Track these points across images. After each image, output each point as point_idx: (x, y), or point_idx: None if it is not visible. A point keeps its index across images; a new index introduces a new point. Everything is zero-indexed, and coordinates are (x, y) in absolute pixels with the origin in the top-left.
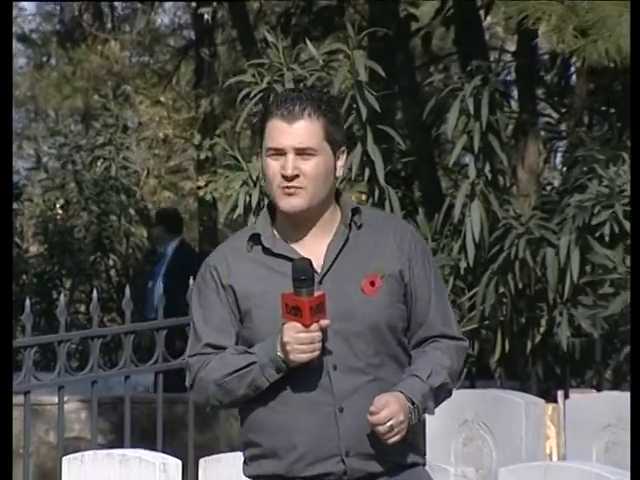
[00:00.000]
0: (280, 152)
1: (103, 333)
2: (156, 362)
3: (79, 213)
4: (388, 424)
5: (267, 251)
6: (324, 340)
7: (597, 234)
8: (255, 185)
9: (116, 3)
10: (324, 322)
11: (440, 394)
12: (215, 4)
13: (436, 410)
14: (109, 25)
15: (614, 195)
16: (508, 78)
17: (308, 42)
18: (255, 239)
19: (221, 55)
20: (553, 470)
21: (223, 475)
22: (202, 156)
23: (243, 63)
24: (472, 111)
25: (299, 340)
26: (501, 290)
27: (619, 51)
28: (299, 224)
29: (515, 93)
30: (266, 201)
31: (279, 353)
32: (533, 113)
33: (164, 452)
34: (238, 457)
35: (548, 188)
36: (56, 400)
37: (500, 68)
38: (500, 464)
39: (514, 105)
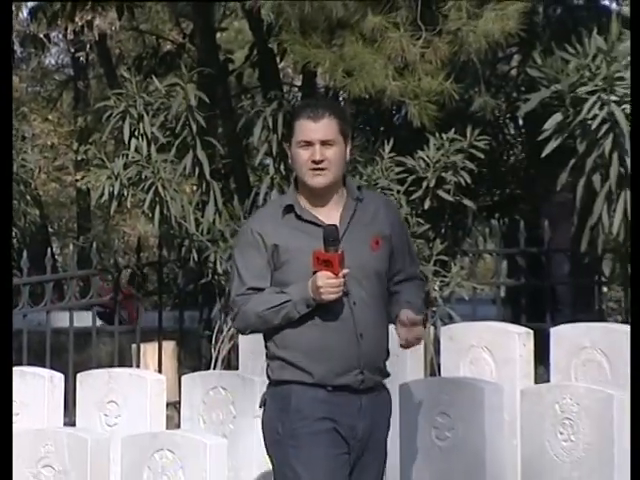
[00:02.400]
0: (309, 143)
1: (47, 279)
2: (45, 304)
3: None
4: (418, 331)
5: (299, 218)
6: (347, 285)
7: None
8: (116, 179)
9: (15, 47)
10: (347, 271)
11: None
12: (88, 48)
13: None
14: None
15: (370, 188)
16: (296, 104)
17: (154, 78)
18: (289, 209)
19: (92, 86)
20: None
21: (93, 385)
22: (79, 158)
23: (107, 92)
24: (271, 126)
25: (331, 284)
26: None
27: (373, 86)
28: (320, 197)
29: None
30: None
31: (310, 294)
32: None
33: (52, 369)
34: (103, 372)
35: None
36: None
37: (291, 97)
38: None
39: None
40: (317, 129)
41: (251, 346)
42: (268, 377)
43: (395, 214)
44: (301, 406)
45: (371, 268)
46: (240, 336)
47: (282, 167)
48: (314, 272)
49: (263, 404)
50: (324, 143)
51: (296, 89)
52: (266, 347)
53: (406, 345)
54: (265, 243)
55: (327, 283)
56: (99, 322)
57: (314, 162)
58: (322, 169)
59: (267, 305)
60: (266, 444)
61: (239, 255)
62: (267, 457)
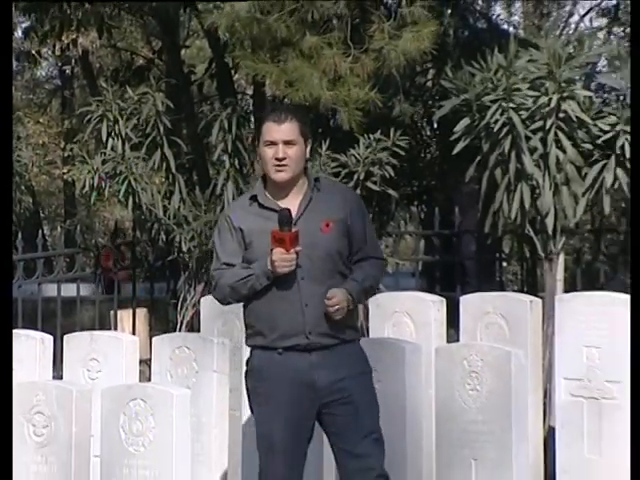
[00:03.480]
0: (274, 143)
1: (38, 255)
2: (37, 277)
3: None
4: (336, 307)
5: (261, 206)
6: (298, 260)
7: None
8: (96, 172)
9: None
10: (298, 248)
11: (369, 292)
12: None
13: None
14: None
15: None
16: (248, 109)
17: (128, 87)
18: (254, 198)
19: (76, 94)
20: None
21: (77, 345)
22: (65, 154)
23: (89, 99)
24: (227, 128)
25: (283, 259)
26: None
27: (311, 95)
28: (283, 189)
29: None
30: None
31: (269, 267)
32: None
33: (43, 332)
34: (86, 334)
35: None
36: None
37: (243, 103)
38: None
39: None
40: (280, 130)
41: (210, 312)
42: (246, 344)
43: (354, 202)
44: (260, 367)
45: (321, 247)
46: (201, 303)
47: (236, 162)
48: (271, 249)
49: (246, 365)
50: (286, 143)
51: (248, 97)
52: (243, 314)
53: (332, 314)
54: (234, 227)
55: (280, 258)
56: (85, 292)
57: (277, 159)
58: (284, 165)
59: (236, 278)
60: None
61: (217, 237)
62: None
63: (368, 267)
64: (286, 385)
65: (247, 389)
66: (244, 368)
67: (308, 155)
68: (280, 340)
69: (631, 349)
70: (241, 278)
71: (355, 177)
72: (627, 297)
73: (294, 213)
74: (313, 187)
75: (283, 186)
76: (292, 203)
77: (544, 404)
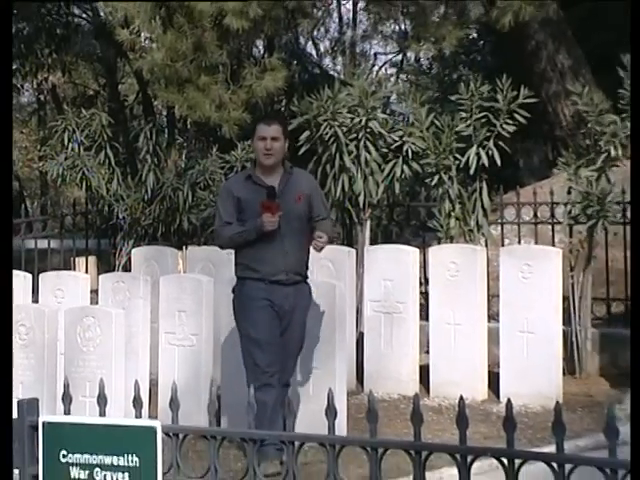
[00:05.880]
0: (264, 138)
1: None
2: (21, 235)
3: None
4: (324, 242)
5: (253, 182)
6: (280, 222)
7: None
8: (60, 165)
9: None
10: (280, 213)
11: (332, 240)
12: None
13: None
14: None
15: (205, 175)
16: (163, 124)
17: (83, 109)
18: (248, 177)
19: (48, 113)
20: None
21: (48, 280)
22: (40, 154)
23: (56, 117)
24: (149, 137)
25: (269, 221)
26: None
27: (204, 116)
28: (268, 171)
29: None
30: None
31: (259, 225)
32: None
33: (25, 271)
34: (54, 273)
35: None
36: None
37: (160, 120)
38: None
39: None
40: (269, 130)
41: (138, 259)
42: (236, 275)
43: (313, 182)
44: (250, 292)
45: (295, 213)
46: (132, 252)
47: (155, 160)
48: (261, 214)
49: (233, 291)
50: (273, 139)
51: (163, 116)
52: (235, 258)
53: (318, 249)
54: (234, 196)
55: (268, 220)
56: (54, 245)
57: (266, 149)
58: (270, 154)
59: (234, 231)
60: (234, 313)
61: (219, 202)
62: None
63: (325, 223)
64: (268, 304)
65: (236, 307)
66: (231, 292)
67: (286, 149)
68: (267, 275)
69: (631, 349)
70: (238, 232)
71: (234, 170)
72: (410, 248)
73: (277, 189)
74: (287, 172)
75: (268, 169)
76: (274, 181)
77: (357, 317)
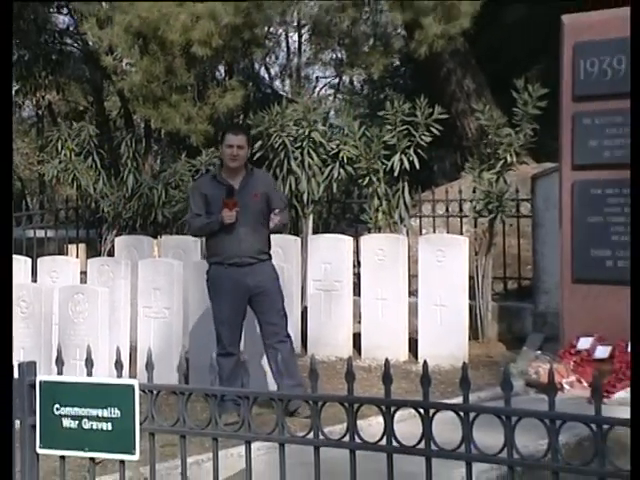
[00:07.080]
0: (231, 146)
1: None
2: (22, 226)
3: None
4: (279, 218)
5: (218, 182)
6: (237, 216)
7: None
8: (55, 168)
9: None
10: (237, 209)
11: (285, 224)
12: (43, 108)
13: None
14: None
15: (176, 176)
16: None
17: (74, 122)
18: (214, 177)
19: (45, 126)
20: None
21: (45, 264)
22: (39, 159)
23: (52, 128)
24: (129, 145)
25: (229, 215)
26: None
27: (175, 127)
28: (232, 172)
29: (143, 140)
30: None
31: (221, 219)
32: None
33: (26, 256)
34: (50, 258)
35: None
36: None
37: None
38: None
39: (144, 143)
40: (235, 139)
41: (120, 246)
42: (207, 261)
43: (270, 181)
44: (214, 275)
45: (252, 208)
46: (115, 240)
47: (134, 164)
48: (222, 209)
49: (207, 274)
50: (238, 147)
51: (141, 128)
52: (205, 247)
53: (273, 224)
54: (201, 193)
55: (226, 215)
56: (50, 234)
57: (232, 155)
58: (236, 159)
59: (202, 223)
60: (208, 293)
61: (190, 197)
62: None
63: (285, 213)
64: (230, 285)
65: (207, 289)
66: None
67: (248, 154)
68: (226, 259)
69: (632, 348)
70: (205, 223)
71: (200, 173)
72: (345, 237)
73: (237, 188)
74: (248, 173)
75: (233, 171)
76: (236, 181)
77: (302, 294)
